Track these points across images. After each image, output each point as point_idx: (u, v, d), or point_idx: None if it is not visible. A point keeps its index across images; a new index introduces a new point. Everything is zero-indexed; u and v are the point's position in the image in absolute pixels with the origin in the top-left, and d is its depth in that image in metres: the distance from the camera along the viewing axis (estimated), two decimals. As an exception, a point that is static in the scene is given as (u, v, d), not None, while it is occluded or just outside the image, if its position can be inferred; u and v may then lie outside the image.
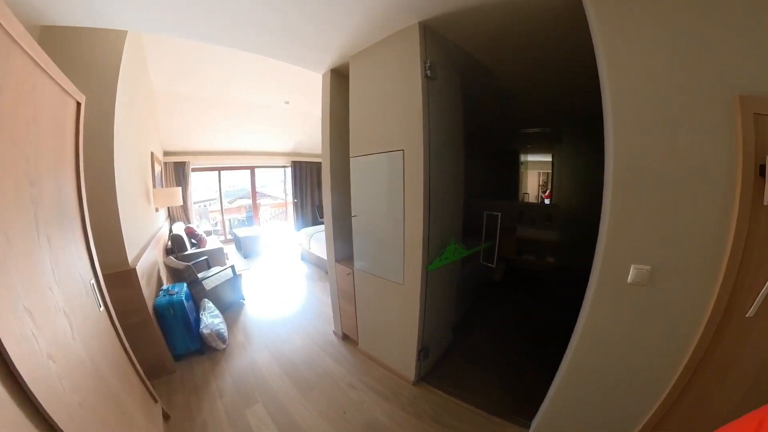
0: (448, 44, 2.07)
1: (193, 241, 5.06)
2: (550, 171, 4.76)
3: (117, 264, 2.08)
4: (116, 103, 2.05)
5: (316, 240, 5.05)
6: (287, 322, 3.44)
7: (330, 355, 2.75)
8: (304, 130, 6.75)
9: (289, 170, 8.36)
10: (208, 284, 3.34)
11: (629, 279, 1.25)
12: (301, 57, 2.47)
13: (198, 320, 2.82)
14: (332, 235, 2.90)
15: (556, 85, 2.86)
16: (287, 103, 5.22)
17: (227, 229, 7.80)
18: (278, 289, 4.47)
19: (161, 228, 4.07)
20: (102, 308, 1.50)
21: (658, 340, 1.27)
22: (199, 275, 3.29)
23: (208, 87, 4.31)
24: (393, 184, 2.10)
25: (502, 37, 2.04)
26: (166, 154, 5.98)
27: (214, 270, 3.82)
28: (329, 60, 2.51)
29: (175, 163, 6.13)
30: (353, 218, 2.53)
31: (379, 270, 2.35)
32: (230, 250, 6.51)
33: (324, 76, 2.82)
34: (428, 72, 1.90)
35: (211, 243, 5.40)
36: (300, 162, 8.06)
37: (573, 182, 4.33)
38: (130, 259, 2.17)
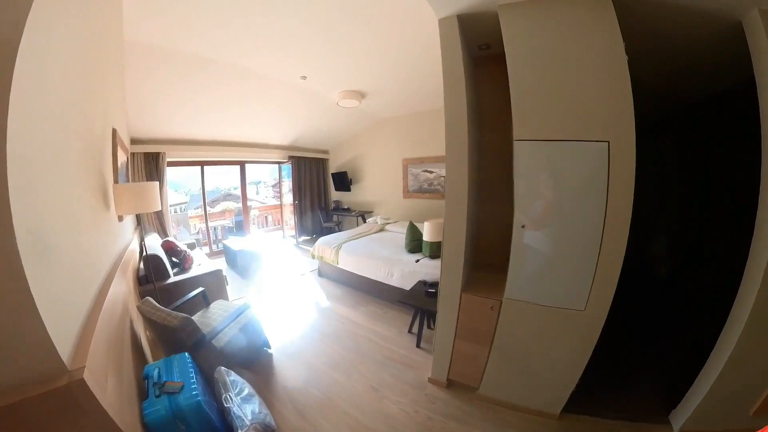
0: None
1: (174, 260, 3.72)
2: None
3: (35, 375, 0.83)
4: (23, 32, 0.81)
5: (349, 252, 3.89)
6: (348, 376, 2.36)
7: (441, 413, 2.02)
8: (312, 117, 5.48)
9: (283, 167, 7.06)
10: (220, 340, 2.09)
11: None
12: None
13: (223, 413, 1.59)
14: (459, 256, 1.99)
15: None
16: (304, 78, 3.97)
17: (213, 239, 6.37)
18: (309, 323, 3.26)
19: (128, 245, 2.73)
20: None
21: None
22: (203, 325, 2.02)
23: (196, 43, 2.98)
24: (590, 184, 1.60)
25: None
26: (134, 142, 4.55)
27: (217, 309, 2.55)
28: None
29: (146, 155, 4.69)
30: (519, 229, 1.76)
31: (548, 297, 1.82)
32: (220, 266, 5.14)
33: (444, 22, 1.88)
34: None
35: (198, 260, 4.08)
36: (300, 158, 6.77)
37: None
38: (67, 353, 0.93)
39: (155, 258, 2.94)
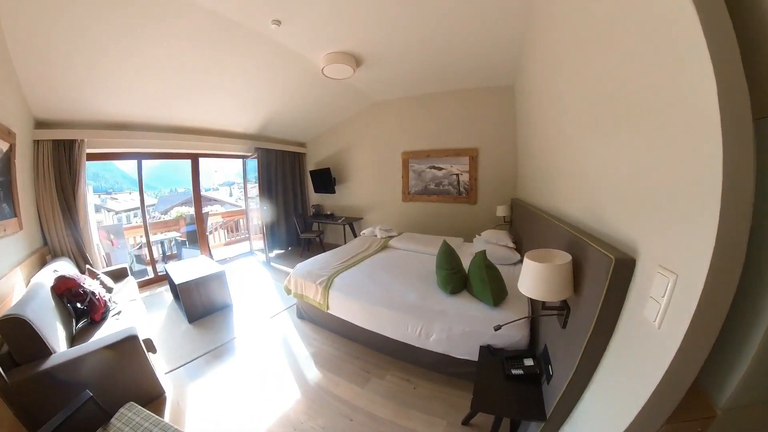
0: None
1: (79, 305, 2.33)
2: None
3: None
4: None
5: (347, 293, 2.50)
6: None
7: None
8: (287, 94, 4.12)
9: (249, 164, 5.61)
10: None
11: None
12: None
13: None
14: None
15: None
16: (278, 24, 2.64)
17: (161, 256, 4.79)
18: (285, 418, 1.94)
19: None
20: None
21: None
22: None
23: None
24: None
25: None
26: (39, 125, 3.03)
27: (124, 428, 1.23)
28: None
29: (55, 144, 3.16)
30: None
31: None
32: (161, 302, 3.67)
33: None
34: None
35: (125, 298, 2.72)
36: (269, 150, 5.36)
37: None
38: None
39: (15, 325, 1.55)
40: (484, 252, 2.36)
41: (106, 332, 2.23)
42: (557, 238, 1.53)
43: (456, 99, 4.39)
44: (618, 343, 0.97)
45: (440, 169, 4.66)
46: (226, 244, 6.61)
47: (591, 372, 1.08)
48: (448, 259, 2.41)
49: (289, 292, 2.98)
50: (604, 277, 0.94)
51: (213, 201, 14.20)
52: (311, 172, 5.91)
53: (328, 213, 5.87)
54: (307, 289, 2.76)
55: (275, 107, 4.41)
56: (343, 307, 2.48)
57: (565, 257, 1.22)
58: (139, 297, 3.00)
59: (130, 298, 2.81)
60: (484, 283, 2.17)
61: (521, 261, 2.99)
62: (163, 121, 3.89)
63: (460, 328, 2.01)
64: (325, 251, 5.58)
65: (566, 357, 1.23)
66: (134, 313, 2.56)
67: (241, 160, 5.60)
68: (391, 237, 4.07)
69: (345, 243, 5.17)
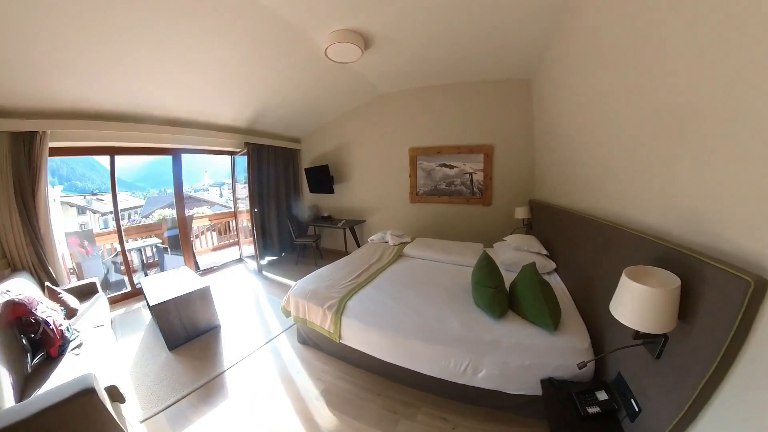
0: None
1: (32, 335, 1.87)
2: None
3: None
4: None
5: (366, 321, 2.02)
6: None
7: None
8: (282, 80, 3.64)
9: (238, 160, 5.10)
10: None
11: None
12: None
13: None
14: None
15: None
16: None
17: (140, 264, 4.22)
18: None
19: None
20: None
21: None
22: None
23: None
24: None
25: None
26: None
27: None
28: None
29: (13, 136, 2.64)
30: None
31: None
32: (138, 322, 3.15)
33: None
34: None
35: (91, 324, 2.24)
36: (261, 146, 4.86)
37: None
38: None
39: None
40: (533, 265, 1.97)
41: (62, 375, 1.76)
42: (634, 252, 1.34)
43: (471, 91, 4.01)
44: (739, 375, 0.85)
45: (452, 167, 4.25)
46: (215, 249, 6.06)
47: (699, 409, 0.95)
48: (492, 274, 1.99)
49: (288, 314, 2.51)
50: (734, 302, 0.82)
51: (202, 202, 13.51)
52: (306, 169, 5.42)
53: (326, 215, 5.40)
54: (311, 314, 2.28)
55: (268, 95, 3.91)
56: (361, 338, 2.02)
57: (670, 279, 1.03)
58: (108, 320, 2.51)
59: (95, 323, 2.31)
60: (541, 303, 1.77)
61: (556, 270, 2.65)
62: (139, 110, 3.36)
63: (519, 361, 1.62)
64: (322, 258, 5.14)
65: (667, 392, 1.06)
66: (99, 344, 2.07)
67: (229, 157, 5.07)
68: (404, 243, 3.63)
69: (345, 248, 4.72)
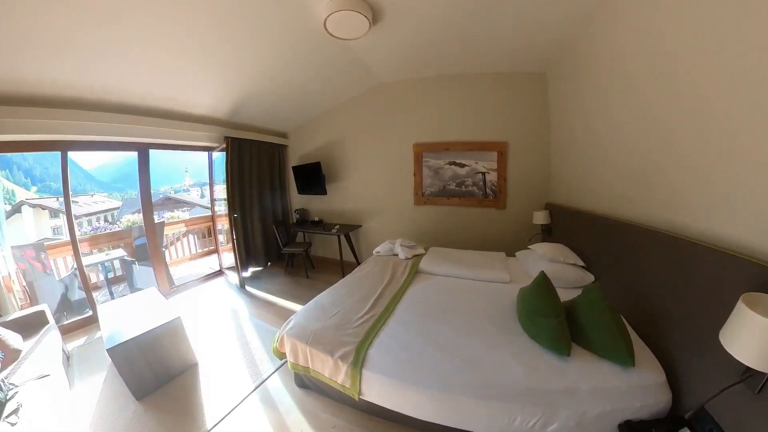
0: None
1: None
2: None
3: None
4: None
5: (403, 378, 1.47)
6: None
7: None
8: (269, 60, 3.08)
9: (216, 158, 4.47)
10: None
11: None
12: None
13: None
14: None
15: None
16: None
17: (105, 279, 3.50)
18: None
19: None
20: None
21: None
22: None
23: None
24: None
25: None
26: None
27: None
28: None
29: None
30: None
31: None
32: (99, 360, 2.53)
33: None
34: None
35: (31, 369, 1.62)
36: (242, 140, 4.27)
37: None
38: None
39: None
40: (598, 287, 1.56)
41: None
42: (723, 272, 1.13)
43: (484, 83, 3.60)
44: None
45: (462, 165, 3.79)
46: (192, 258, 5.40)
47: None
48: (554, 301, 1.55)
49: (281, 357, 1.98)
50: None
51: (182, 204, 12.58)
52: (294, 168, 4.84)
53: (316, 219, 4.84)
54: (317, 362, 1.74)
55: (252, 80, 3.31)
56: (390, 395, 1.51)
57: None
58: (60, 360, 1.93)
59: (41, 371, 1.73)
60: (615, 335, 1.39)
61: (594, 282, 2.25)
62: (98, 96, 2.73)
63: (599, 408, 1.26)
64: (314, 268, 4.56)
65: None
66: (46, 402, 1.51)
67: (206, 153, 4.44)
68: (418, 256, 3.13)
69: (340, 257, 4.19)
